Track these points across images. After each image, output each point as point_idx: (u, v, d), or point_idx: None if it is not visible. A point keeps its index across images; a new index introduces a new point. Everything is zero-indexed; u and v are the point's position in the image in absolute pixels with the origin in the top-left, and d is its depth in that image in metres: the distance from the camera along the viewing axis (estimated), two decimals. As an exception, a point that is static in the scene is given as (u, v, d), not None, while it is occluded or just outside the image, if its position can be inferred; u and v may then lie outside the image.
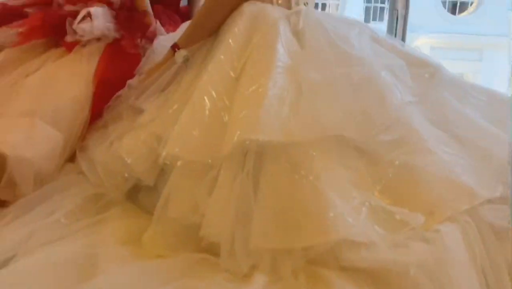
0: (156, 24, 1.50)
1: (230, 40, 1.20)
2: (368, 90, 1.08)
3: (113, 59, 1.39)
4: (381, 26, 11.39)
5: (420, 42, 12.17)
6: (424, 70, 1.21)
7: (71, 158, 1.29)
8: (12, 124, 1.20)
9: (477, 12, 13.01)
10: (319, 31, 1.21)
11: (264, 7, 1.26)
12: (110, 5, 1.51)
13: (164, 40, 1.46)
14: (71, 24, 1.39)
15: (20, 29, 1.44)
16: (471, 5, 13.53)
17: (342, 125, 1.02)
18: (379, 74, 1.11)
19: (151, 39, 1.46)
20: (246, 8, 1.26)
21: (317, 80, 1.07)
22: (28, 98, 1.27)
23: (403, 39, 1.71)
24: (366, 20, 12.13)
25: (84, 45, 1.42)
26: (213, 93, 1.12)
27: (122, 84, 1.33)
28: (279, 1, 1.30)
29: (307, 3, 1.37)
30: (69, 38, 1.41)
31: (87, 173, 1.22)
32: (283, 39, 1.18)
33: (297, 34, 1.22)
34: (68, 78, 1.34)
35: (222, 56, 1.18)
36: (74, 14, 1.45)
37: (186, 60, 1.27)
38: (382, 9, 12.83)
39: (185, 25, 1.52)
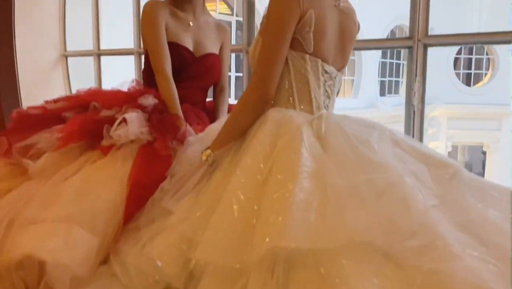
0: (186, 127, 1.58)
1: (256, 145, 1.26)
2: (392, 196, 1.11)
3: (146, 161, 1.47)
4: (397, 99, 11.60)
5: (437, 113, 12.30)
6: (444, 171, 1.25)
7: (105, 259, 1.34)
8: (52, 230, 1.26)
9: (491, 83, 13.19)
10: (340, 135, 1.28)
11: (288, 113, 1.35)
12: (143, 108, 1.62)
13: (194, 141, 1.55)
14: (108, 130, 1.49)
15: (60, 134, 1.54)
16: (485, 75, 13.77)
17: (369, 231, 1.05)
18: (402, 179, 1.15)
19: (181, 140, 1.54)
20: (271, 114, 1.34)
21: (342, 187, 1.12)
22: (66, 203, 1.33)
23: (420, 132, 1.77)
24: (382, 93, 12.38)
25: (119, 148, 1.51)
26: (242, 197, 1.17)
27: (154, 186, 1.40)
28: (301, 107, 1.38)
29: (327, 106, 1.45)
30: (105, 143, 1.50)
31: (119, 275, 1.26)
32: (307, 143, 1.25)
33: (320, 138, 1.29)
34: (104, 182, 1.41)
35: (249, 160, 1.24)
36: (110, 119, 1.56)
37: (211, 159, 1.35)
38: (396, 82, 13.11)
39: (212, 127, 1.62)
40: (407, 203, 1.10)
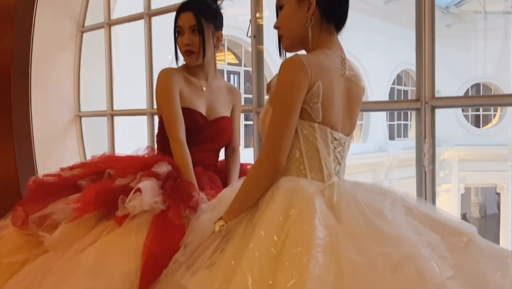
0: (199, 196, 1.60)
1: (269, 216, 1.27)
2: (408, 270, 1.10)
3: (160, 232, 1.48)
4: (406, 142, 11.61)
5: (448, 155, 12.27)
6: (458, 240, 1.25)
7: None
8: (68, 307, 1.27)
9: (501, 123, 13.20)
10: (353, 205, 1.28)
11: (299, 182, 1.36)
12: (157, 176, 1.65)
13: (206, 209, 1.56)
14: (123, 201, 1.52)
15: (75, 205, 1.56)
16: (494, 116, 13.80)
17: (385, 308, 1.04)
18: (417, 252, 1.14)
19: (194, 208, 1.56)
20: (282, 183, 1.35)
21: (357, 261, 1.11)
22: (82, 277, 1.35)
23: (433, 193, 1.78)
24: (391, 137, 12.41)
25: (133, 218, 1.53)
26: (256, 271, 1.17)
27: (168, 257, 1.40)
28: (312, 174, 1.40)
29: (338, 172, 1.47)
30: (119, 213, 1.52)
31: None
32: (320, 214, 1.25)
33: (333, 208, 1.30)
34: (119, 254, 1.42)
35: (262, 232, 1.25)
36: (125, 188, 1.59)
37: (225, 230, 1.35)
38: (405, 126, 13.16)
39: (224, 193, 1.64)
40: (423, 276, 1.09)
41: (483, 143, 12.34)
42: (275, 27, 1.51)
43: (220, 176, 2.00)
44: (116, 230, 1.52)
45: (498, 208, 14.23)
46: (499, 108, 13.53)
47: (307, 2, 1.43)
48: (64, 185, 1.76)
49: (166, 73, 1.89)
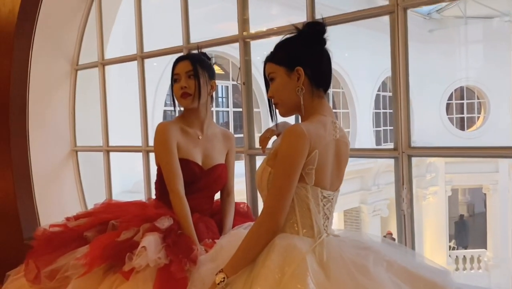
0: (197, 251, 1.73)
1: (267, 274, 1.41)
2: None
3: (164, 285, 1.61)
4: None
5: (434, 158, 12.49)
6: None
7: None
8: None
9: (485, 125, 13.48)
10: (340, 263, 1.43)
11: (292, 240, 1.49)
12: (158, 230, 1.78)
13: (205, 260, 1.70)
14: (130, 259, 1.64)
15: (84, 261, 1.69)
16: (478, 119, 14.09)
17: None
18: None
19: (194, 261, 1.69)
20: (278, 240, 1.49)
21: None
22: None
23: (412, 235, 1.94)
24: (377, 142, 12.61)
25: (138, 272, 1.66)
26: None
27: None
28: (304, 231, 1.54)
29: (327, 226, 1.61)
30: (126, 268, 1.65)
31: None
32: (311, 272, 1.40)
33: (323, 265, 1.44)
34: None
35: None
36: (130, 243, 1.72)
37: (225, 283, 1.49)
38: (392, 131, 13.37)
39: (221, 243, 1.77)
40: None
41: (468, 145, 12.58)
42: (269, 96, 1.64)
43: (215, 217, 2.14)
44: (124, 284, 1.65)
45: (486, 206, 14.53)
46: (482, 110, 13.82)
47: (296, 74, 1.57)
48: (71, 236, 1.88)
49: (163, 127, 2.00)
